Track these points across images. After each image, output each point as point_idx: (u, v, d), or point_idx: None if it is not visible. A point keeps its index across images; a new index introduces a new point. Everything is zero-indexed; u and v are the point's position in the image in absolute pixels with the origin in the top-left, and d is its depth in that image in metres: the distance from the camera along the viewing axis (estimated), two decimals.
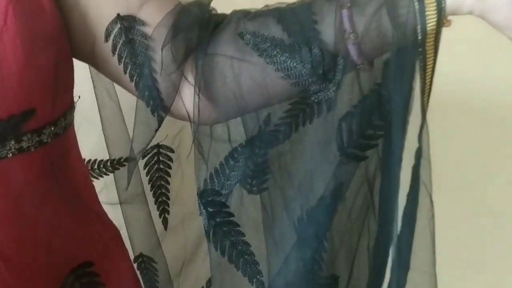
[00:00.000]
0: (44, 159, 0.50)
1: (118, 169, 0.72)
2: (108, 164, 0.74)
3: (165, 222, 0.72)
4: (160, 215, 0.72)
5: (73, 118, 0.56)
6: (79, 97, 0.59)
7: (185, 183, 0.71)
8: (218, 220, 0.53)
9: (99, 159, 0.75)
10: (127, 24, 0.50)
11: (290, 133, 0.54)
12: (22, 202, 0.49)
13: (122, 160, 0.72)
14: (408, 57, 0.45)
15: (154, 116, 0.53)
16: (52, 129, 0.49)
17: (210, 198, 0.54)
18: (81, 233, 0.56)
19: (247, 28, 0.49)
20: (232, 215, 0.54)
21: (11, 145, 0.46)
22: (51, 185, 0.52)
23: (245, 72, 0.49)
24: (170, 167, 0.70)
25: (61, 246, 0.54)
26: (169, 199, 0.72)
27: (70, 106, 0.54)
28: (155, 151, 0.69)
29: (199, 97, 0.50)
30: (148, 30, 0.50)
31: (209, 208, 0.53)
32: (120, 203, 0.66)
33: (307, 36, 0.46)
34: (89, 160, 0.76)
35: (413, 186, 0.47)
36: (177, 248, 0.71)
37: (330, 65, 0.46)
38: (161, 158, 0.69)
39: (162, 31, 0.50)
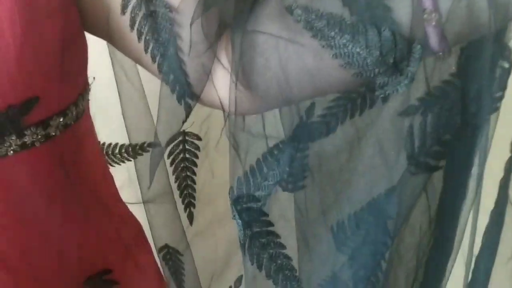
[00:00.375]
0: (53, 156, 0.42)
1: (142, 154, 0.65)
2: (130, 149, 0.66)
3: (190, 217, 0.65)
4: (185, 209, 0.64)
5: (88, 104, 0.48)
6: (94, 78, 0.50)
7: (213, 176, 0.63)
8: (255, 230, 0.45)
9: (120, 143, 0.68)
10: None
11: (335, 126, 0.46)
12: (27, 206, 0.42)
13: (146, 145, 0.64)
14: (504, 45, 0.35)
15: (180, 104, 0.44)
16: (61, 120, 0.41)
17: (246, 205, 0.45)
18: (98, 237, 0.49)
19: (297, 0, 0.39)
20: (271, 224, 0.45)
21: (11, 141, 0.39)
22: (62, 185, 0.44)
23: (294, 56, 0.39)
24: (197, 157, 0.62)
25: (74, 253, 0.47)
26: (195, 191, 0.64)
27: (83, 91, 0.45)
28: (180, 138, 0.61)
29: (236, 84, 0.41)
30: (173, 0, 0.41)
31: (244, 216, 0.45)
32: (143, 202, 0.58)
33: (375, 14, 0.36)
34: (109, 144, 0.68)
35: (500, 204, 0.38)
36: (205, 257, 0.63)
37: (403, 52, 0.36)
38: (187, 147, 0.61)
39: (191, 2, 0.41)
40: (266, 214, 0.45)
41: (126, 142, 0.68)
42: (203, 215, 0.63)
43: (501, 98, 0.36)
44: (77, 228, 0.46)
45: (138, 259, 0.57)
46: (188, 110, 0.44)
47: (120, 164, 0.69)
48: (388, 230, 0.43)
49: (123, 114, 0.61)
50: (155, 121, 0.63)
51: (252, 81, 0.41)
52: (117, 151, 0.68)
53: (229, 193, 0.51)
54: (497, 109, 0.36)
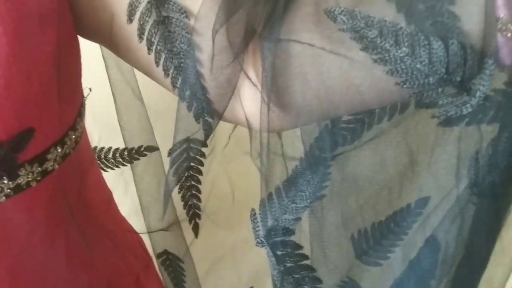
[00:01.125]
0: (53, 194, 0.36)
1: (138, 159, 0.59)
2: (125, 153, 0.60)
3: (196, 228, 0.59)
4: (190, 221, 0.59)
5: (84, 122, 0.41)
6: (90, 89, 0.43)
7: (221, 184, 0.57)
8: (288, 265, 0.40)
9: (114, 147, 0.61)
10: None
11: (362, 131, 0.41)
12: (26, 255, 0.36)
13: (143, 149, 0.58)
14: None
15: (199, 123, 0.38)
16: (59, 150, 0.35)
17: (279, 238, 0.40)
18: (106, 272, 0.43)
19: (339, 3, 0.33)
20: (306, 257, 0.41)
21: (2, 185, 0.32)
22: (65, 224, 0.38)
23: (338, 71, 0.33)
24: (202, 164, 0.56)
25: None
26: (200, 201, 0.58)
27: (80, 108, 0.39)
28: (184, 146, 0.55)
29: (268, 105, 0.35)
30: (190, 3, 0.35)
31: (278, 251, 0.40)
32: (149, 233, 0.52)
33: (439, 22, 0.31)
34: (101, 148, 0.62)
35: None
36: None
37: (473, 69, 0.31)
38: (191, 154, 0.55)
39: (212, 5, 0.34)
40: (301, 247, 0.40)
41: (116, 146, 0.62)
42: (222, 240, 0.58)
43: None
44: (83, 266, 0.40)
45: None
46: (208, 130, 0.38)
47: (114, 169, 0.62)
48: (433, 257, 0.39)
49: (118, 118, 0.54)
50: (153, 124, 0.58)
51: (287, 99, 0.35)
52: (110, 155, 0.61)
53: (250, 217, 0.46)
54: None
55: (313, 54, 0.34)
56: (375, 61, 0.32)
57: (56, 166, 0.35)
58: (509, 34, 0.30)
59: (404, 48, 0.31)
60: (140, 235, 0.60)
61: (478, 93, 0.31)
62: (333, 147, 0.42)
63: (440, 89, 0.31)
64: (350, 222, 0.41)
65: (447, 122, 0.38)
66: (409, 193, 0.39)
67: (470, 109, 0.32)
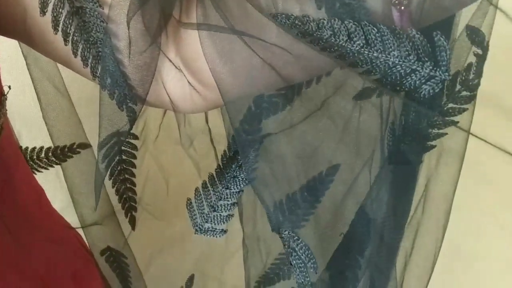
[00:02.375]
0: None
1: (71, 157, 0.58)
2: (58, 151, 0.59)
3: (132, 221, 0.60)
4: (126, 214, 0.59)
5: (6, 116, 0.41)
6: (10, 87, 0.43)
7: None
8: None
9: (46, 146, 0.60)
10: None
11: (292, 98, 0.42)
12: None
13: (75, 146, 0.58)
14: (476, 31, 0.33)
15: (122, 110, 0.39)
16: None
17: None
18: (38, 271, 0.42)
19: None
20: None
21: None
22: None
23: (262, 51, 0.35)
24: (134, 157, 0.57)
25: None
26: (135, 194, 0.59)
27: None
28: (114, 140, 0.55)
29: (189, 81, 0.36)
30: None
31: None
32: (82, 228, 0.52)
33: (346, 4, 0.33)
34: (33, 148, 0.61)
35: None
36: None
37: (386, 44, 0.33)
38: (123, 148, 0.55)
39: None
40: None
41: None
42: (160, 231, 0.58)
43: (477, 85, 0.34)
44: (12, 266, 0.40)
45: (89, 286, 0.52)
46: (132, 116, 0.39)
47: (48, 169, 0.61)
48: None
49: (43, 117, 0.54)
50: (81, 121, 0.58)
51: (209, 78, 0.36)
52: (42, 155, 0.60)
53: (187, 206, 0.48)
54: (474, 97, 0.34)
55: (233, 38, 0.35)
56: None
57: None
58: (402, 7, 0.33)
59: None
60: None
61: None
62: (259, 126, 0.44)
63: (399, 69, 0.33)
64: (268, 197, 0.43)
65: (362, 95, 0.41)
66: (322, 161, 0.42)
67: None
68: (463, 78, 0.34)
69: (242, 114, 0.42)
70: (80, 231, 0.58)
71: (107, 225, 0.57)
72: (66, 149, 0.58)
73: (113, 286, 0.58)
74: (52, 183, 0.58)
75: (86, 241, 0.57)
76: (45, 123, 0.55)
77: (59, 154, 0.59)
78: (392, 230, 0.44)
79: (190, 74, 0.36)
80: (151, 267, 0.60)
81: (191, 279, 0.66)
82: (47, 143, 0.59)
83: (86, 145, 0.59)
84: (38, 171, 0.62)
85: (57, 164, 0.61)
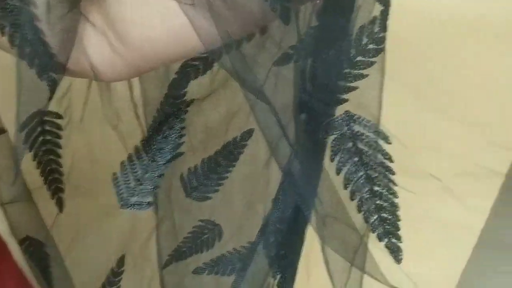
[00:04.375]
0: None
1: None
2: None
3: (59, 203, 0.59)
4: (53, 196, 0.58)
5: None
6: None
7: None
8: None
9: None
10: None
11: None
12: None
13: None
14: None
15: (42, 80, 0.39)
16: None
17: None
18: None
19: None
20: None
21: None
22: None
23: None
24: (59, 137, 0.56)
25: None
26: (62, 175, 0.58)
27: None
28: (36, 119, 0.54)
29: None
30: None
31: None
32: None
33: None
34: None
35: None
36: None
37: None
38: (46, 128, 0.55)
39: None
40: None
41: None
42: (86, 209, 0.58)
43: (383, 39, 0.37)
44: None
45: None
46: (53, 86, 0.39)
47: None
48: None
49: None
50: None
51: (132, 37, 0.37)
52: None
53: (112, 181, 0.48)
54: (381, 50, 0.37)
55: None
56: None
57: None
58: None
59: None
60: None
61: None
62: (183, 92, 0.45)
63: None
64: (181, 163, 0.44)
65: (280, 61, 0.42)
66: (236, 127, 0.43)
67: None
68: (369, 31, 0.36)
69: (168, 80, 0.43)
70: None
71: (27, 212, 0.55)
72: None
73: (33, 274, 0.57)
74: None
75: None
76: None
77: None
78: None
79: (114, 36, 0.36)
80: (75, 249, 0.59)
81: (121, 259, 0.66)
82: None
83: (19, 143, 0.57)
84: None
85: None
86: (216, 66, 0.47)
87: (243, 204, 0.51)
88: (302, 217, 0.48)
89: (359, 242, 0.46)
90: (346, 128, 0.42)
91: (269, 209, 0.48)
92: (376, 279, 0.48)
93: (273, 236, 0.49)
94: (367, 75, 0.37)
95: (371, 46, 0.37)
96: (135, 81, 0.51)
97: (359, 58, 0.37)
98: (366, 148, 0.42)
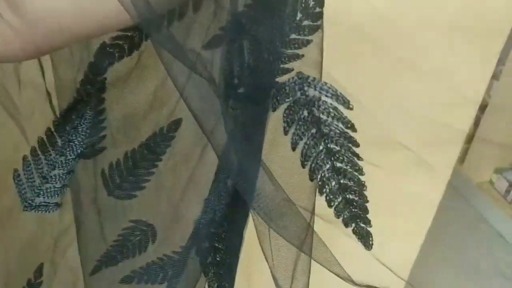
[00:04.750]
0: None
1: None
2: None
3: None
4: None
5: None
6: None
7: None
8: None
9: None
10: None
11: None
12: None
13: None
14: None
15: None
16: None
17: None
18: None
19: None
20: None
21: None
22: None
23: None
24: None
25: None
26: None
27: None
28: None
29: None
30: None
31: None
32: None
33: None
34: None
35: None
36: None
37: None
38: None
39: None
40: None
41: None
42: None
43: (319, 14, 0.30)
44: None
45: None
46: None
47: None
48: None
49: None
50: None
51: (31, 11, 0.29)
52: None
53: (13, 177, 0.40)
54: (319, 27, 0.31)
55: None
56: None
57: None
58: None
59: None
60: None
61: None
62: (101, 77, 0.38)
63: None
64: (102, 157, 0.37)
65: (210, 44, 0.36)
66: (162, 116, 0.37)
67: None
68: (303, 5, 0.30)
69: (85, 63, 0.36)
70: None
71: None
72: None
73: None
74: None
75: None
76: None
77: None
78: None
79: (6, 4, 0.28)
80: None
81: (39, 269, 0.58)
82: None
83: None
84: None
85: None
86: (144, 45, 0.40)
87: (172, 203, 0.44)
88: (240, 217, 0.42)
89: (306, 227, 0.40)
90: (299, 93, 0.35)
91: (201, 210, 0.41)
92: (332, 271, 0.42)
93: (206, 241, 0.42)
94: (302, 56, 0.30)
95: (306, 22, 0.30)
96: (47, 63, 0.43)
97: (293, 36, 0.30)
98: (324, 117, 0.36)
